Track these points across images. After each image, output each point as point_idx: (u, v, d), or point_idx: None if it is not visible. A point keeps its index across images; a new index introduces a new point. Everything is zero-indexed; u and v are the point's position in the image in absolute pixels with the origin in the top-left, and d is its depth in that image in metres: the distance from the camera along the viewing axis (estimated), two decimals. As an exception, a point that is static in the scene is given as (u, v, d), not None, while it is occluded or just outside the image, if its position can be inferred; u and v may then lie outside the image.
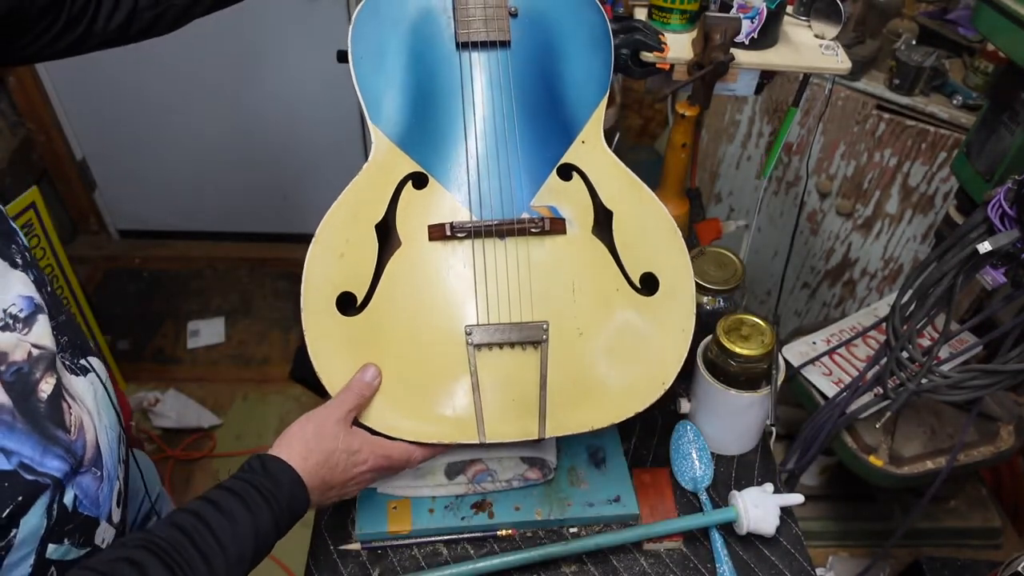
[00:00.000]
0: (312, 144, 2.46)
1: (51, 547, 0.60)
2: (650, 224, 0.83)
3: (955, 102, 1.50)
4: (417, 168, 0.83)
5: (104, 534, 0.68)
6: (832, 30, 1.00)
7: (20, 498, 0.55)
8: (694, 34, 1.02)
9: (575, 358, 0.79)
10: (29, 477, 0.56)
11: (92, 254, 2.69)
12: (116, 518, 0.70)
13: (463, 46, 0.84)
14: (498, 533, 0.87)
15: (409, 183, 0.82)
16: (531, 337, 0.79)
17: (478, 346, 0.78)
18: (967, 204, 1.01)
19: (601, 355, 0.80)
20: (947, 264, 0.90)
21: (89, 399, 0.67)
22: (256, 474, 0.68)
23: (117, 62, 2.28)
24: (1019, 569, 0.83)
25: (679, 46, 0.99)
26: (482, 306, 0.79)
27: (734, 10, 0.97)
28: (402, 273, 0.80)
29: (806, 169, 1.72)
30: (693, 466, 0.93)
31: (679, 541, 0.88)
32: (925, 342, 0.99)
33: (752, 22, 0.96)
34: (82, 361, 0.69)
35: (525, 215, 0.82)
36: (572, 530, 0.88)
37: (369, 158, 0.83)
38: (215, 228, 2.73)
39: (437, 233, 0.80)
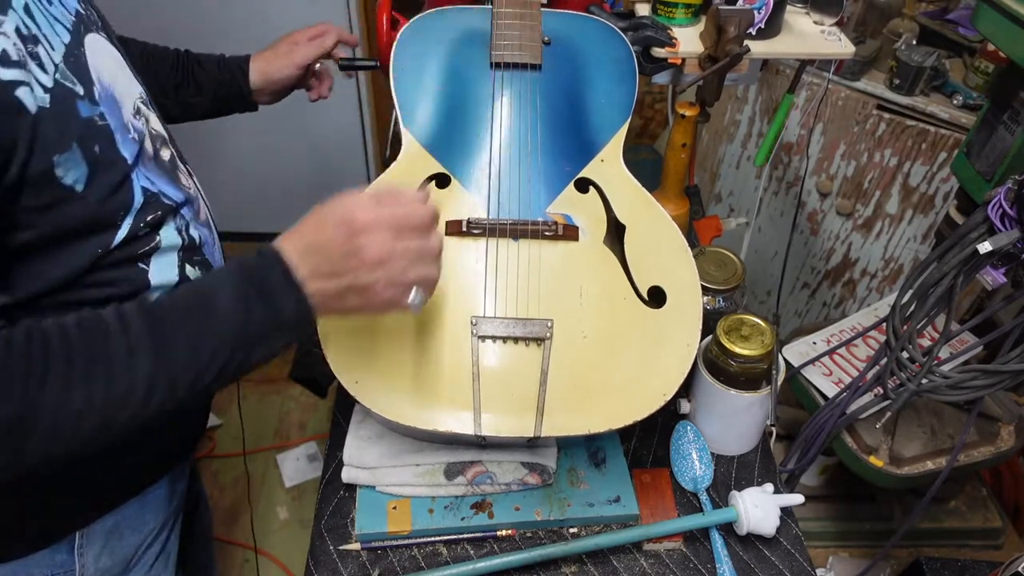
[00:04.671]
0: (312, 145, 2.46)
1: (188, 268, 0.79)
2: (662, 241, 0.86)
3: (955, 102, 1.50)
4: (441, 169, 0.87)
5: None
6: (831, 17, 1.01)
7: (159, 212, 0.74)
8: (700, 27, 1.02)
9: (577, 360, 0.80)
10: (165, 201, 0.76)
11: (92, 254, 2.69)
12: None
13: (497, 65, 0.90)
14: (498, 533, 0.87)
15: (432, 183, 0.87)
16: (536, 333, 0.79)
17: (482, 337, 0.79)
18: (967, 204, 1.01)
19: (604, 360, 0.80)
20: (947, 264, 0.90)
21: (198, 188, 0.87)
22: (250, 257, 0.64)
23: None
24: (1019, 569, 0.83)
25: (686, 40, 1.00)
26: (490, 299, 0.81)
27: (741, 2, 0.97)
28: None
29: (806, 169, 1.72)
30: (693, 466, 0.93)
31: (679, 541, 0.88)
32: (925, 342, 0.98)
33: (759, 13, 0.97)
34: (186, 167, 0.86)
35: (540, 219, 0.85)
36: (572, 530, 0.88)
37: (398, 158, 0.88)
38: (215, 228, 2.73)
39: (453, 228, 0.84)
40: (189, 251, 0.80)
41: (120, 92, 0.72)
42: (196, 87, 1.06)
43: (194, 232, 0.81)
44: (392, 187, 0.69)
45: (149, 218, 0.73)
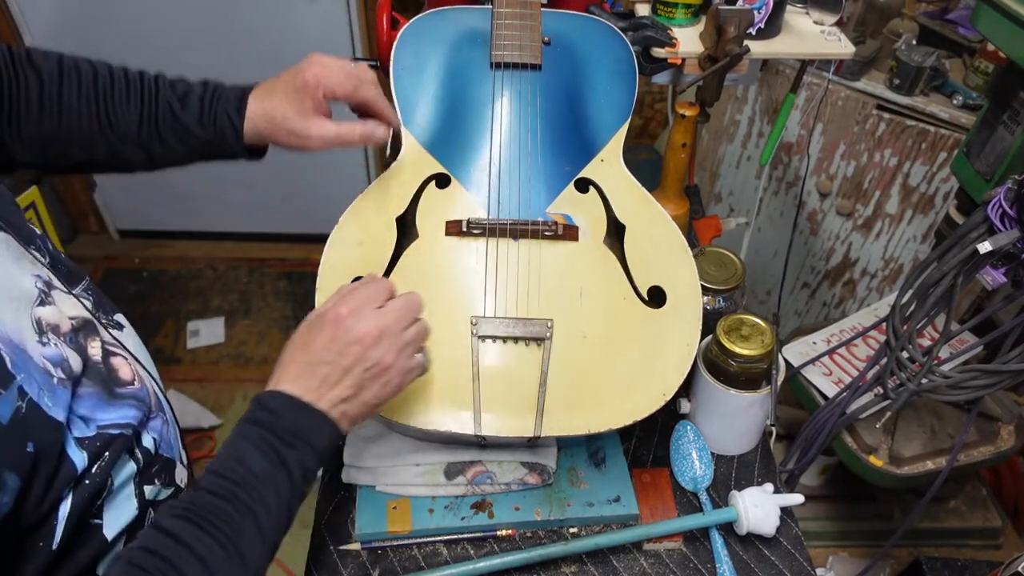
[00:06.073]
0: (312, 144, 2.46)
1: (147, 488, 0.64)
2: (662, 240, 0.86)
3: (955, 102, 1.50)
4: (441, 170, 0.87)
5: (181, 475, 0.71)
6: (831, 17, 1.01)
7: (107, 453, 0.58)
8: (700, 27, 1.02)
9: (577, 360, 0.80)
10: (114, 432, 0.59)
11: (92, 254, 2.69)
12: (184, 460, 0.74)
13: (497, 66, 0.90)
14: (498, 533, 0.87)
15: (432, 183, 0.87)
16: (535, 333, 0.79)
17: (482, 337, 0.79)
18: (967, 204, 1.01)
19: (603, 360, 0.80)
20: (947, 264, 0.90)
21: (137, 350, 0.71)
22: (256, 412, 0.63)
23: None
24: (1019, 569, 0.83)
25: (686, 40, 1.00)
26: (490, 299, 0.81)
27: (741, 2, 0.97)
28: (416, 263, 0.83)
29: (806, 169, 1.72)
30: (693, 466, 0.93)
31: (679, 541, 0.88)
32: (925, 342, 0.98)
33: (759, 13, 0.97)
34: (114, 317, 0.71)
35: (540, 219, 0.85)
36: (572, 530, 0.88)
37: (398, 158, 0.88)
38: (215, 228, 2.73)
39: (454, 228, 0.84)
40: (147, 466, 0.65)
41: (11, 318, 0.53)
42: (161, 145, 0.81)
43: (149, 439, 0.65)
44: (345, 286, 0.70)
45: (95, 468, 0.58)
